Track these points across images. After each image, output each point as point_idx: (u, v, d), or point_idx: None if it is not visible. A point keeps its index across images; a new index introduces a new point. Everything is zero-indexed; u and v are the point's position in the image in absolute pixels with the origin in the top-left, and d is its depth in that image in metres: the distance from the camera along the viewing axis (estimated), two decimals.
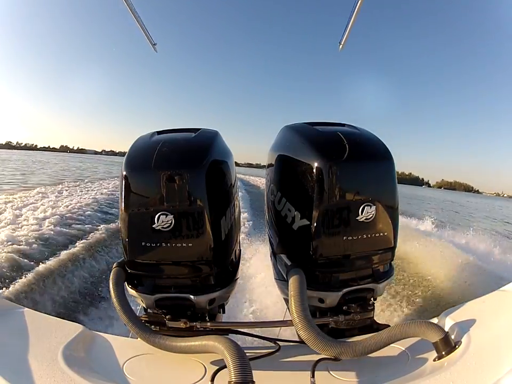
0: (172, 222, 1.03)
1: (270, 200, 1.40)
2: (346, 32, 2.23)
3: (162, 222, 1.02)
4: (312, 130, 1.22)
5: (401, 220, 1.19)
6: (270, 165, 1.43)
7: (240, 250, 1.50)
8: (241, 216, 1.56)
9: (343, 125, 1.27)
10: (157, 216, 1.02)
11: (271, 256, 1.49)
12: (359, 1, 2.03)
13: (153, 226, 1.03)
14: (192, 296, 1.11)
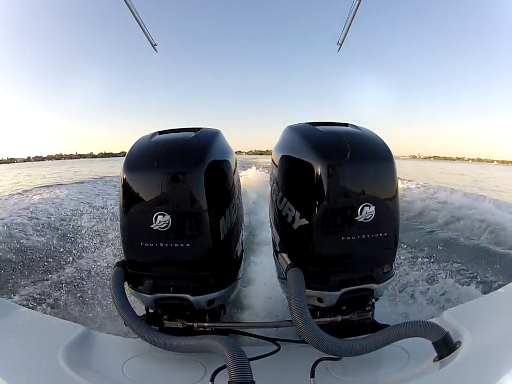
0: (169, 222, 1.03)
1: (273, 199, 1.40)
2: (343, 33, 2.23)
3: (160, 222, 1.02)
4: (313, 130, 1.22)
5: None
6: (273, 165, 1.43)
7: (242, 250, 1.49)
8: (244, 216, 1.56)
9: (346, 124, 1.26)
10: (154, 216, 1.02)
11: (273, 255, 1.49)
12: (357, 3, 2.03)
13: (151, 226, 1.03)
14: (190, 297, 1.10)
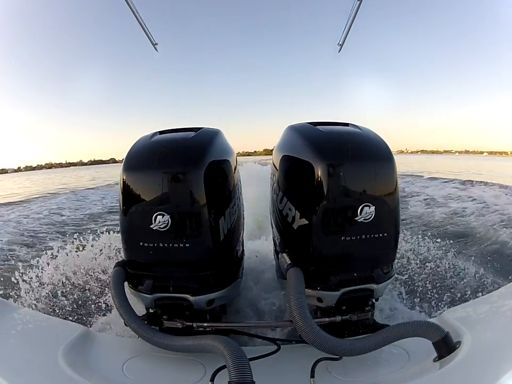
0: (168, 222, 1.03)
1: (273, 199, 1.40)
2: (344, 34, 2.23)
3: (159, 222, 1.02)
4: (314, 130, 1.22)
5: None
6: (274, 165, 1.43)
7: (243, 250, 1.49)
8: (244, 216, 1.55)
9: (347, 124, 1.26)
10: (154, 216, 1.02)
11: (274, 255, 1.49)
12: (358, 3, 2.03)
13: (150, 226, 1.03)
14: (190, 297, 1.10)
